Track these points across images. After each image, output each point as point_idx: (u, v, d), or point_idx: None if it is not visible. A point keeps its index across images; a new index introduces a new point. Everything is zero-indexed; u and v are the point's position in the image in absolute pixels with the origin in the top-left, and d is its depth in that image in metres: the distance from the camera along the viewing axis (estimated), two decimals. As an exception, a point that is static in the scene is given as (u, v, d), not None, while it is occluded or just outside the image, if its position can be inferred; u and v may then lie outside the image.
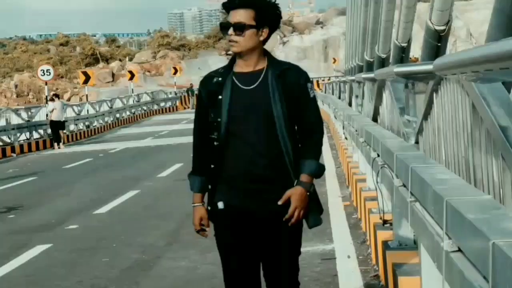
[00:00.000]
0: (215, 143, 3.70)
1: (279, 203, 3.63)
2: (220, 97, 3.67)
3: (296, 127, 3.73)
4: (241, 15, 3.63)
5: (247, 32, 3.63)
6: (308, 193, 3.67)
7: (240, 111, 3.66)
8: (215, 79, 3.73)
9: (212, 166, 3.72)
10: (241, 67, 3.72)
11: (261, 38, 3.68)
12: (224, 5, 3.72)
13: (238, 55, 3.70)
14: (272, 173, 3.65)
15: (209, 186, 3.76)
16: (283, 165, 3.65)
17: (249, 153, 3.65)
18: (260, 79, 3.68)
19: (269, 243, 3.73)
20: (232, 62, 3.77)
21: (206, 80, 3.79)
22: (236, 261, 3.74)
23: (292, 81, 3.70)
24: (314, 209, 3.75)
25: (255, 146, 3.64)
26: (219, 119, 3.66)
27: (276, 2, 3.75)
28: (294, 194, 3.63)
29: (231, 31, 3.64)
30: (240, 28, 3.63)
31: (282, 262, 3.74)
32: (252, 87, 3.68)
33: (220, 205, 3.74)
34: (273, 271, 3.77)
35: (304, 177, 3.65)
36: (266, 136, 3.64)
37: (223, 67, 3.80)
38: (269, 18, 3.69)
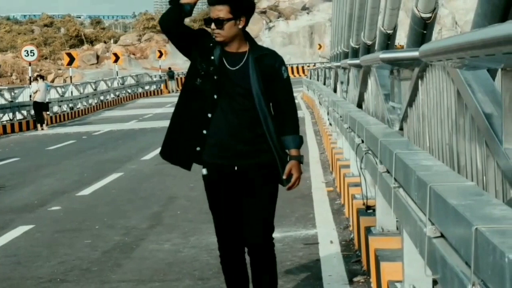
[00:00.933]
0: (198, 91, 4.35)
1: (284, 177, 4.34)
2: (212, 57, 4.33)
3: (271, 103, 4.42)
4: (219, 11, 4.26)
5: (226, 25, 4.27)
6: (301, 163, 4.42)
7: (227, 87, 4.32)
8: (210, 44, 4.36)
9: (201, 130, 4.37)
10: (226, 47, 4.37)
11: (240, 26, 4.31)
12: (207, 1, 4.36)
13: (222, 43, 4.33)
14: (250, 136, 4.34)
15: (197, 149, 4.40)
16: (260, 130, 4.33)
17: (232, 121, 4.32)
18: (242, 62, 4.34)
19: (247, 198, 4.41)
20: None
21: (204, 34, 4.42)
22: (221, 212, 4.46)
23: (268, 64, 4.36)
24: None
25: (237, 114, 4.32)
26: (212, 72, 4.30)
27: None
28: (294, 167, 4.37)
29: (213, 25, 4.29)
30: (219, 22, 4.27)
31: (259, 217, 4.41)
32: (236, 68, 4.34)
33: (204, 171, 4.44)
34: (251, 224, 4.42)
35: (293, 152, 4.40)
36: (247, 106, 4.32)
37: (214, 42, 4.37)
38: (244, 9, 4.30)
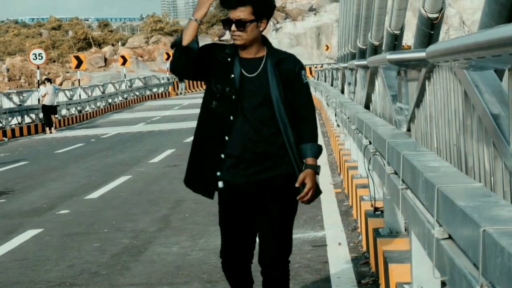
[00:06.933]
0: (215, 111, 4.09)
1: (297, 185, 4.02)
2: (232, 76, 4.05)
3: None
4: (241, 12, 3.97)
5: (249, 27, 3.99)
6: (317, 174, 4.09)
7: (246, 94, 4.04)
8: (228, 59, 4.08)
9: (213, 141, 4.11)
10: (243, 54, 4.08)
11: (261, 29, 4.04)
12: (222, 5, 4.06)
13: (241, 47, 4.05)
14: (267, 150, 4.06)
15: (218, 174, 4.12)
16: (279, 143, 4.06)
17: (249, 131, 4.04)
18: (261, 67, 4.06)
19: (263, 214, 4.13)
20: (236, 47, 4.10)
21: (217, 49, 4.12)
22: (233, 231, 4.18)
23: (288, 69, 4.09)
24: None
25: (255, 125, 4.04)
26: (228, 93, 4.04)
27: None
28: (308, 176, 4.03)
29: (233, 27, 4.00)
30: (241, 24, 3.98)
31: (276, 233, 4.13)
32: (254, 74, 4.05)
33: (220, 184, 4.12)
34: (266, 242, 4.14)
35: (310, 161, 4.06)
36: (265, 116, 4.04)
37: (229, 49, 4.10)
38: (266, 10, 4.04)
